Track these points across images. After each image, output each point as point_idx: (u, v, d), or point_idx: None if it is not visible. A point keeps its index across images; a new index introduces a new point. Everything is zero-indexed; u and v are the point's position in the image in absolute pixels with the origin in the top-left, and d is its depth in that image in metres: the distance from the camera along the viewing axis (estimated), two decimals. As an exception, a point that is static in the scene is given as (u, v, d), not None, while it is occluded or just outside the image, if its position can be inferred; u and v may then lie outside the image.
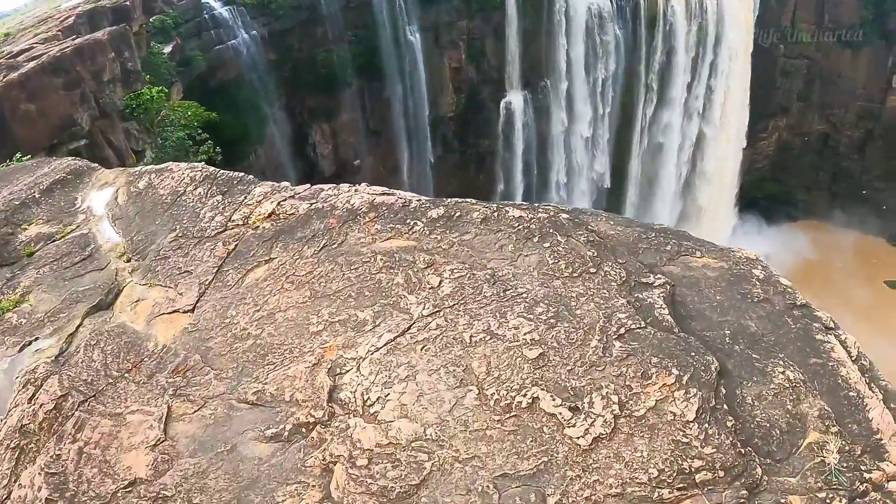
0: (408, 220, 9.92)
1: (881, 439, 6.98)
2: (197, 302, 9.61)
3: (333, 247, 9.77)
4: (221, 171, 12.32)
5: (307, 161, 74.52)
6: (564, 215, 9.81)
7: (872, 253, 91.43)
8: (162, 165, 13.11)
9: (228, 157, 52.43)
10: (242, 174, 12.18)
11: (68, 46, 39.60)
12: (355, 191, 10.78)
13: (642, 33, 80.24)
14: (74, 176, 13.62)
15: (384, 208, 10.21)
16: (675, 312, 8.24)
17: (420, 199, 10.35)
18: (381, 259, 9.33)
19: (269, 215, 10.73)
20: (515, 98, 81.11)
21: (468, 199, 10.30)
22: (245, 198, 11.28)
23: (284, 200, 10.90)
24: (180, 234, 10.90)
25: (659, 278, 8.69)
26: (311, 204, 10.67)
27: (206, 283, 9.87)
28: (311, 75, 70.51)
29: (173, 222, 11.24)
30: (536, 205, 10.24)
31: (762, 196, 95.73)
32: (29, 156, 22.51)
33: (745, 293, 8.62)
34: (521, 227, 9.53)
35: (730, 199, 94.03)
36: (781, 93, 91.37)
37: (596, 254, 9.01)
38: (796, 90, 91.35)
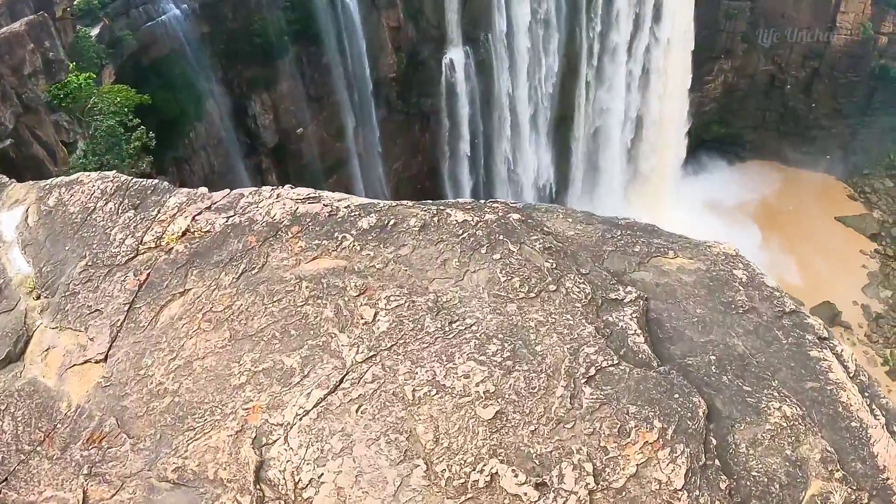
0: (335, 234, 8.64)
1: (888, 479, 6.13)
2: (109, 349, 8.38)
3: (253, 272, 8.50)
4: (133, 181, 10.95)
5: (249, 133, 72.72)
6: (515, 216, 8.63)
7: (823, 190, 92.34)
8: (72, 177, 11.66)
9: (167, 136, 50.86)
10: (156, 182, 10.82)
11: (-17, 43, 37.64)
12: (277, 197, 9.50)
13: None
14: (-16, 195, 12.12)
15: (308, 220, 8.93)
16: (651, 335, 7.13)
17: (349, 206, 9.07)
18: (307, 287, 8.08)
19: (184, 234, 9.44)
20: (456, 54, 79.75)
21: (403, 203, 9.06)
22: (158, 212, 9.95)
23: (200, 214, 9.60)
24: (90, 263, 9.56)
25: (630, 291, 7.55)
26: (229, 218, 9.38)
27: (118, 324, 8.60)
28: (246, 46, 68.39)
29: (83, 247, 9.89)
30: (483, 202, 9.00)
31: (710, 138, 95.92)
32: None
33: (728, 302, 7.56)
34: (465, 234, 8.31)
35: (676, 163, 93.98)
36: (725, 35, 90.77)
37: (555, 265, 7.82)
38: (740, 32, 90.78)
